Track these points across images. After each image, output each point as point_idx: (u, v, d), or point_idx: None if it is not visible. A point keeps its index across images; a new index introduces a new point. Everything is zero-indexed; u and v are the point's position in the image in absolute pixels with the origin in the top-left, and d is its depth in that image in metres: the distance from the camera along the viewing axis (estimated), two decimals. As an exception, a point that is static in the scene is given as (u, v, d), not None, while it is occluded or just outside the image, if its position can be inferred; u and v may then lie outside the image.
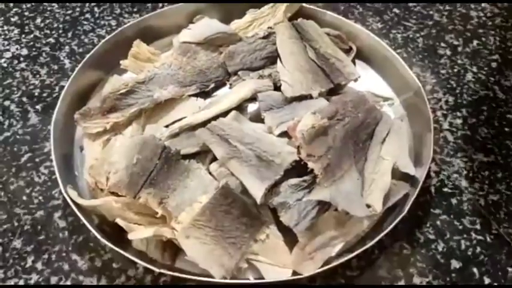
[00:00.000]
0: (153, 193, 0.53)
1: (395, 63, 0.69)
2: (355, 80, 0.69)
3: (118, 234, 0.53)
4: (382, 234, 0.51)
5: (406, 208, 0.53)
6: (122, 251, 0.50)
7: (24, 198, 0.60)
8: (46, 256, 0.55)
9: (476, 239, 0.58)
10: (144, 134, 0.62)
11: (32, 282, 0.53)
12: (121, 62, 0.68)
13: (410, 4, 0.86)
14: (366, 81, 0.71)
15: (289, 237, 0.54)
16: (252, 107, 0.66)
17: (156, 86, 0.66)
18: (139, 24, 0.74)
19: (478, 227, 0.59)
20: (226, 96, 0.65)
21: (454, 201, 0.61)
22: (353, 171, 0.57)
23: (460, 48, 0.79)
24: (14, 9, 0.85)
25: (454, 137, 0.67)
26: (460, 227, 0.59)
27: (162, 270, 0.50)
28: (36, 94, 0.71)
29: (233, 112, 0.62)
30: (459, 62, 0.77)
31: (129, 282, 0.53)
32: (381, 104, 0.68)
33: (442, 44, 0.79)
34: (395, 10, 0.85)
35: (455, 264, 0.56)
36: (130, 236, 0.51)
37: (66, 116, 0.63)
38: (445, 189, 0.62)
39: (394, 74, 0.69)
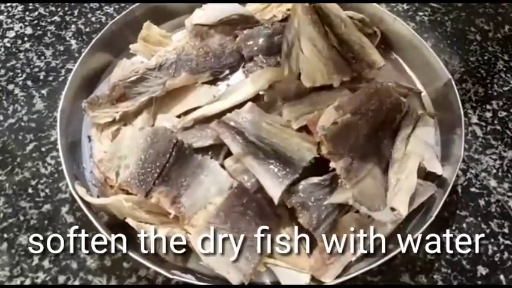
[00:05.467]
0: (166, 192, 0.50)
1: (423, 50, 0.64)
2: (379, 69, 0.64)
3: (129, 233, 0.50)
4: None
5: (435, 213, 0.50)
6: (131, 254, 0.47)
7: (30, 190, 0.58)
8: (54, 253, 0.53)
9: (504, 244, 0.55)
10: (155, 125, 0.59)
11: (38, 281, 0.51)
12: (130, 46, 0.64)
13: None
14: (390, 69, 0.66)
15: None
16: (269, 94, 0.62)
17: (167, 73, 0.62)
18: (149, 3, 0.69)
19: (506, 230, 0.56)
20: (242, 86, 0.61)
21: (481, 202, 0.58)
22: (377, 171, 0.54)
23: (490, 34, 0.74)
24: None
25: (483, 132, 0.63)
26: (488, 231, 0.56)
27: (175, 277, 0.47)
28: (42, 77, 0.68)
29: (249, 104, 0.59)
30: (490, 49, 0.72)
31: (140, 282, 0.51)
32: (405, 94, 0.64)
33: (472, 29, 0.74)
34: (423, -10, 0.80)
35: (481, 270, 0.53)
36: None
37: (73, 102, 0.60)
38: (473, 189, 0.59)
39: (421, 62, 0.65)
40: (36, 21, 0.75)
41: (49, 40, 0.72)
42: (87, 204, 0.51)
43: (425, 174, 0.56)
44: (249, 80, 0.63)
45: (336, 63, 0.63)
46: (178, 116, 0.60)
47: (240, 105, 0.59)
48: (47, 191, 0.58)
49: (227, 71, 0.65)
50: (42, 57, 0.70)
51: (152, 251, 0.50)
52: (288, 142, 0.55)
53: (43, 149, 0.61)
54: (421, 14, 0.76)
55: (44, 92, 0.66)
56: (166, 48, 0.65)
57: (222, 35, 0.67)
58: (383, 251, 0.50)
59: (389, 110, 0.58)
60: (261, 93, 0.61)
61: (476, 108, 0.65)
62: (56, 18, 0.75)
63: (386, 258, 0.48)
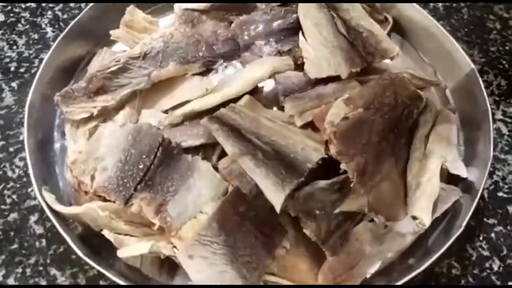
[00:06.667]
0: (149, 198, 0.43)
1: (441, 38, 0.58)
2: (392, 58, 0.57)
3: (106, 246, 0.43)
4: (433, 259, 0.41)
5: (463, 223, 0.43)
6: (107, 273, 0.40)
7: (-6, 197, 0.50)
8: (20, 270, 0.46)
9: (538, 256, 0.48)
10: (138, 122, 0.52)
11: (1, 302, 0.44)
12: (111, 32, 0.57)
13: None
14: (405, 59, 0.60)
15: (314, 253, 0.44)
16: (268, 86, 0.55)
17: (153, 63, 0.55)
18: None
19: (540, 241, 0.49)
20: (238, 78, 0.54)
21: (511, 208, 0.51)
22: (394, 174, 0.47)
23: (511, 22, 0.67)
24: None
25: (508, 128, 0.57)
26: (519, 241, 0.49)
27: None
28: (13, 69, 0.61)
29: (246, 97, 0.52)
30: (511, 38, 0.65)
31: (119, 304, 0.44)
32: (422, 87, 0.57)
33: (491, 16, 0.67)
34: (436, -26, 0.73)
35: (513, 287, 0.46)
36: (120, 254, 0.41)
37: (45, 96, 0.53)
38: (500, 194, 0.52)
39: (438, 51, 0.58)
40: (9, 7, 0.67)
41: (22, 28, 0.65)
42: (57, 213, 0.44)
43: (447, 177, 0.49)
44: (246, 70, 0.56)
45: (344, 52, 0.56)
46: (166, 112, 0.53)
47: (235, 99, 0.52)
48: (14, 197, 0.50)
49: (221, 61, 0.58)
50: (14, 47, 0.63)
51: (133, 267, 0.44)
52: (291, 141, 0.48)
53: (11, 149, 0.54)
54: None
55: (14, 84, 0.59)
56: (152, 35, 0.58)
57: (215, 21, 0.60)
58: (402, 266, 0.44)
59: (405, 105, 0.51)
60: (259, 85, 0.54)
61: (499, 103, 0.59)
62: (31, 4, 0.67)
63: (407, 278, 0.41)
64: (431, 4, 0.68)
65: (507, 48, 0.64)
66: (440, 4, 0.69)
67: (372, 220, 0.45)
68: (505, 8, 0.69)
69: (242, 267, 0.42)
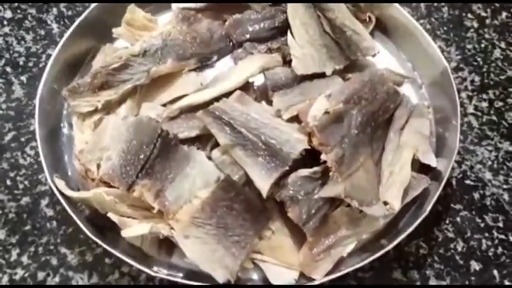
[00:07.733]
0: (149, 185, 0.48)
1: (419, 37, 0.62)
2: (374, 56, 0.62)
3: (111, 227, 0.48)
4: (401, 238, 0.47)
5: (428, 207, 0.48)
6: (113, 250, 0.45)
7: (8, 182, 0.55)
8: (32, 249, 0.51)
9: (498, 238, 0.54)
10: (139, 114, 0.56)
11: (17, 277, 0.49)
12: (113, 30, 0.61)
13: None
14: (385, 56, 0.64)
15: (297, 234, 0.50)
16: (258, 82, 0.60)
17: (152, 59, 0.59)
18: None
19: (500, 224, 0.54)
20: (231, 74, 0.58)
21: (476, 195, 0.56)
22: (369, 163, 0.52)
23: (488, 21, 0.71)
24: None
25: (478, 122, 0.61)
26: (482, 225, 0.54)
27: (158, 274, 0.45)
28: (21, 63, 0.65)
29: (237, 92, 0.56)
30: (486, 36, 0.70)
31: (123, 279, 0.49)
32: (400, 83, 0.62)
33: (469, 15, 0.72)
34: (419, -26, 0.77)
35: (475, 265, 0.52)
36: (123, 233, 0.46)
37: (53, 90, 0.57)
38: (468, 182, 0.57)
39: (417, 49, 0.62)
40: (16, 4, 0.71)
41: (29, 24, 0.69)
42: (67, 197, 0.49)
43: (419, 166, 0.54)
44: (238, 67, 0.60)
45: (329, 50, 0.60)
46: (164, 105, 0.58)
47: (228, 94, 0.56)
48: (26, 183, 0.55)
49: (215, 57, 0.63)
50: (22, 42, 0.67)
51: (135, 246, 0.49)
52: (278, 133, 0.53)
53: (22, 139, 0.58)
54: (417, -1, 0.73)
55: (23, 78, 0.63)
56: (152, 33, 0.62)
57: (210, 20, 0.64)
58: (375, 246, 0.49)
59: (383, 100, 0.56)
60: (250, 80, 0.59)
61: (472, 98, 0.63)
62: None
63: (378, 254, 0.46)
64: (413, 3, 0.72)
65: (482, 45, 0.69)
66: (422, 4, 0.73)
67: (348, 205, 0.50)
68: (483, 7, 0.73)
69: (232, 246, 0.47)
